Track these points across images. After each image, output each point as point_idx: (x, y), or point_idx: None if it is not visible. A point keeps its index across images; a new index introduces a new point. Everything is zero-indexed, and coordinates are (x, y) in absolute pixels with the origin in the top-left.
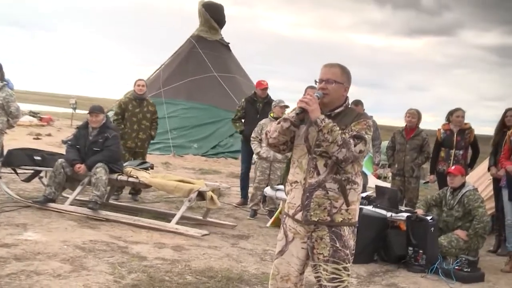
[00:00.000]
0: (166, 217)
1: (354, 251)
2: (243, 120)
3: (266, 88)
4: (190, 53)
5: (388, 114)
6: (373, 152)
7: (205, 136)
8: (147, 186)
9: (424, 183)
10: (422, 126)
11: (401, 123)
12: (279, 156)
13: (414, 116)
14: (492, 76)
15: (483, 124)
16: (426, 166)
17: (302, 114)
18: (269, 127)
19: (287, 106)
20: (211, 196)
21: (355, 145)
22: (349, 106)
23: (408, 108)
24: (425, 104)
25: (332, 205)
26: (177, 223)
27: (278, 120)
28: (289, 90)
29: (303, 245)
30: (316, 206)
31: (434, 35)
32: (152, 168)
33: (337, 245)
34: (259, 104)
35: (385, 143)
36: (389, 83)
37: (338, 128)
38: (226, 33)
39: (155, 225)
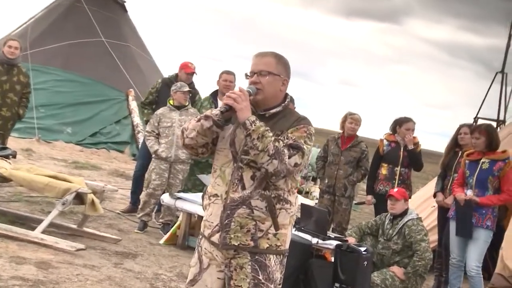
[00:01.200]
0: (28, 223)
1: (280, 286)
2: (153, 107)
3: (193, 74)
4: (71, 8)
5: (312, 113)
6: None
7: (82, 119)
8: (5, 180)
9: (356, 203)
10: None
11: (325, 125)
12: (182, 156)
13: (358, 123)
14: (439, 78)
15: (426, 136)
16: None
17: (229, 112)
18: (187, 123)
19: (190, 92)
20: (92, 200)
21: (289, 157)
22: (288, 105)
23: (348, 111)
24: (356, 105)
25: (257, 228)
26: (44, 232)
27: (198, 117)
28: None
29: (219, 275)
30: (238, 228)
31: (376, 20)
32: (14, 156)
33: (260, 277)
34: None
35: (314, 151)
36: (316, 74)
37: (271, 134)
38: None
39: (12, 232)
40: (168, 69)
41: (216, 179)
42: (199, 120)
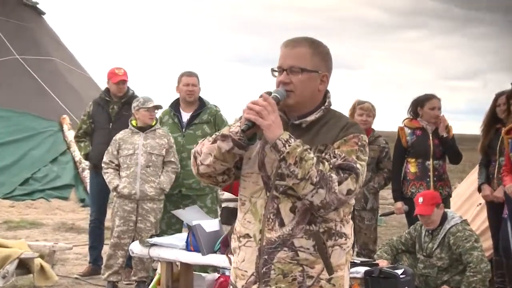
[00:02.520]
0: None
1: None
2: (90, 137)
3: (125, 81)
4: None
5: None
6: None
7: (6, 165)
8: None
9: (381, 215)
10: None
11: None
12: (150, 191)
13: (370, 113)
14: (457, 40)
15: (451, 117)
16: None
17: (252, 129)
18: (199, 145)
19: (158, 107)
20: (41, 266)
21: (340, 183)
22: (331, 107)
23: (356, 100)
24: (356, 92)
25: (305, 274)
26: None
27: (213, 138)
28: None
29: None
30: (280, 276)
31: None
32: None
33: None
34: (113, 107)
35: None
36: None
37: (312, 155)
38: None
39: None
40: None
41: (246, 215)
42: (214, 141)
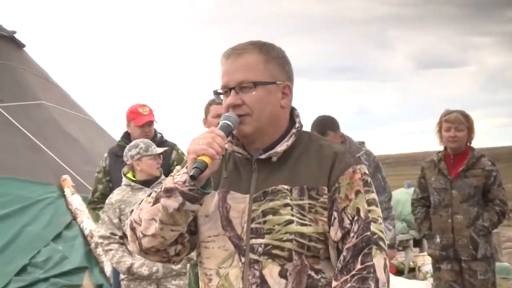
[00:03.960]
0: None
1: None
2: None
3: (152, 123)
4: None
5: (370, 129)
6: None
7: None
8: None
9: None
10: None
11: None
12: (176, 266)
13: (461, 126)
14: None
15: None
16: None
17: (205, 173)
18: (134, 212)
19: (163, 153)
20: None
21: (366, 278)
22: (302, 128)
23: (445, 111)
24: (466, 91)
25: None
26: None
27: (153, 197)
28: None
29: None
30: None
31: None
32: None
33: None
34: None
35: (398, 195)
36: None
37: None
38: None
39: None
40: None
41: None
42: (156, 201)
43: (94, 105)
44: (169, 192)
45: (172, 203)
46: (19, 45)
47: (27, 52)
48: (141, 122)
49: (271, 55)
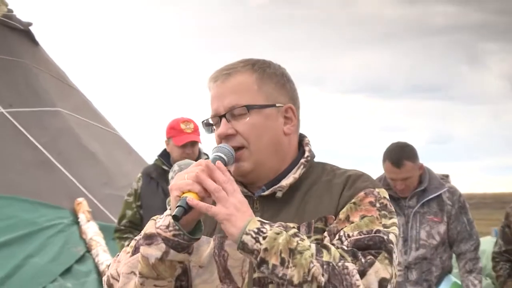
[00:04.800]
0: None
1: None
2: (135, 233)
3: (196, 143)
4: None
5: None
6: (463, 274)
7: None
8: None
9: None
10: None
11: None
12: None
13: None
14: None
15: None
16: None
17: (191, 214)
18: (112, 267)
19: None
20: None
21: (364, 272)
22: (313, 158)
23: None
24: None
25: None
26: None
27: (132, 245)
28: None
29: None
30: None
31: None
32: None
33: None
34: None
35: (483, 244)
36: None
37: (306, 241)
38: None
39: None
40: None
41: None
42: (136, 250)
43: (120, 116)
44: (149, 238)
45: (154, 252)
46: (34, 41)
47: (43, 48)
48: (182, 141)
49: (267, 73)
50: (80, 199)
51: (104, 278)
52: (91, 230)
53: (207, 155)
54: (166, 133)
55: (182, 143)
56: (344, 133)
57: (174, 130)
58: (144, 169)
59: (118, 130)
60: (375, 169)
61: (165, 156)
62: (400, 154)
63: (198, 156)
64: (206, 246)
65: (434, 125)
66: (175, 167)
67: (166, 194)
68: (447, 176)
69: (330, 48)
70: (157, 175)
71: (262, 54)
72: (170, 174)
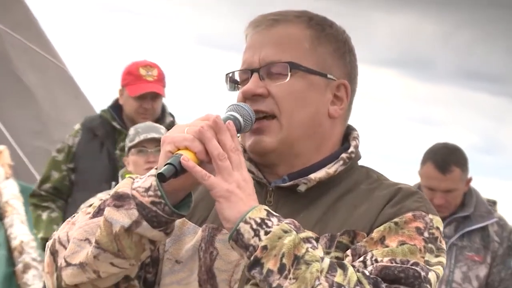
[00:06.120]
0: None
1: None
2: (58, 203)
3: (157, 95)
4: None
5: None
6: None
7: None
8: None
9: None
10: None
11: None
12: None
13: None
14: None
15: None
16: None
17: (182, 179)
18: (62, 229)
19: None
20: None
21: None
22: (357, 156)
23: None
24: None
25: None
26: None
27: (95, 205)
28: None
29: None
30: None
31: None
32: None
33: None
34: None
35: None
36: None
37: (319, 251)
38: None
39: None
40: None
41: None
42: (100, 211)
43: (78, 53)
44: (120, 199)
45: (121, 217)
46: None
47: None
48: (139, 90)
49: (326, 33)
50: (1, 147)
51: (49, 242)
52: (9, 190)
53: (172, 116)
54: (121, 79)
55: (139, 93)
56: (366, 119)
57: (130, 76)
58: (86, 121)
59: (69, 66)
60: (402, 173)
61: (116, 109)
62: (448, 157)
63: (161, 116)
64: (190, 236)
65: (484, 126)
66: (132, 131)
67: (113, 159)
68: (494, 202)
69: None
70: (105, 133)
71: None
72: (127, 143)
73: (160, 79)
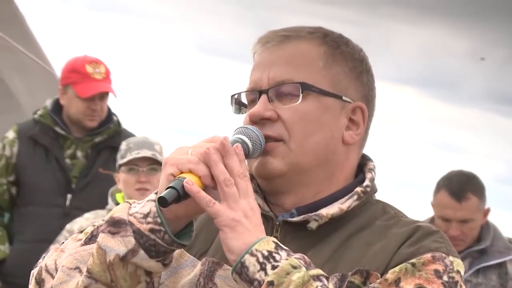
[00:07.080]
0: None
1: None
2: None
3: (106, 95)
4: None
5: None
6: None
7: None
8: None
9: None
10: None
11: None
12: None
13: None
14: None
15: None
16: None
17: (184, 205)
18: (50, 256)
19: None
20: None
21: None
22: (373, 190)
23: None
24: None
25: None
26: None
27: (87, 231)
28: None
29: None
30: None
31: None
32: None
33: None
34: (75, 152)
35: None
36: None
37: (329, 287)
38: None
39: None
40: None
41: None
42: (92, 239)
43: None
44: (115, 225)
45: (117, 245)
46: None
47: None
48: (90, 91)
49: (342, 51)
50: None
51: (34, 271)
52: None
53: (116, 116)
54: (63, 77)
55: (90, 93)
56: (381, 141)
57: (76, 74)
58: (21, 128)
59: (57, 69)
60: (418, 202)
61: (56, 111)
62: (464, 184)
63: (108, 117)
64: (188, 269)
65: (501, 152)
66: (123, 145)
67: (63, 169)
68: None
69: (378, 20)
70: (49, 141)
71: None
72: (118, 158)
73: (108, 76)
